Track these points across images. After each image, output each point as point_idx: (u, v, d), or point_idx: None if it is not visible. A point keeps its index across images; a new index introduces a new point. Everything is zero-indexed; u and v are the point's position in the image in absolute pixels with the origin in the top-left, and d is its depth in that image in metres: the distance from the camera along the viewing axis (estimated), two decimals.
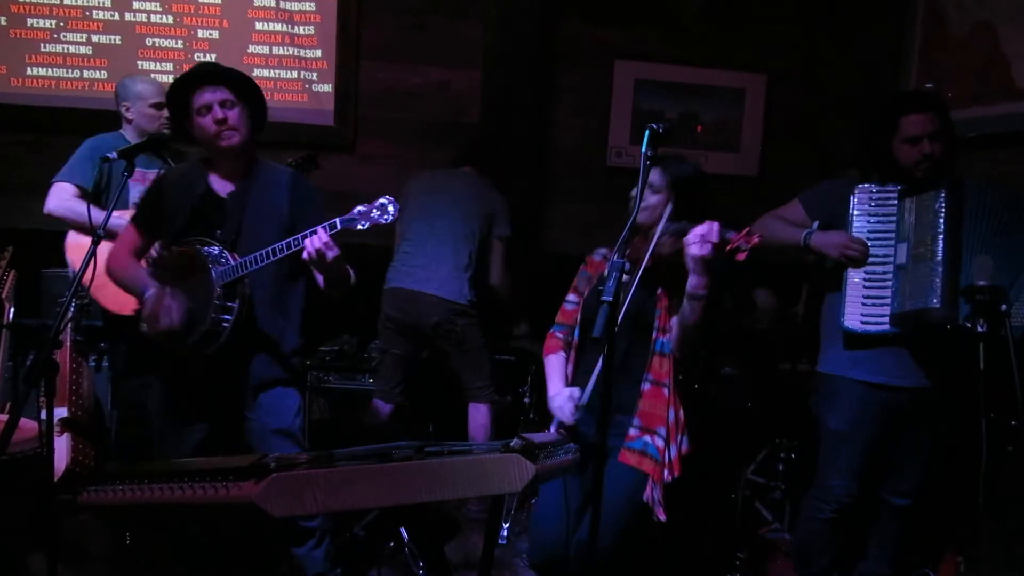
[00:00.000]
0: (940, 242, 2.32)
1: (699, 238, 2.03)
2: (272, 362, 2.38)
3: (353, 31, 4.08)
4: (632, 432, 2.27)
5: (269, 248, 2.17)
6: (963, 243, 2.33)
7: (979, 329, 2.22)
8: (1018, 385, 2.09)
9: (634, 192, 2.08)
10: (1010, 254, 2.33)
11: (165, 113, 3.16)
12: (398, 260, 3.49)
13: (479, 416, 3.51)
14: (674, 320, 2.25)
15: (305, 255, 2.09)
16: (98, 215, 2.44)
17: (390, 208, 2.03)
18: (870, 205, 2.50)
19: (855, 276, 2.49)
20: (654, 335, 2.27)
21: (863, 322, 2.45)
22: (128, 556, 2.95)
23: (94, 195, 3.08)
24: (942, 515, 2.74)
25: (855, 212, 2.51)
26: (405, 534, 3.08)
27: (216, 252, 2.25)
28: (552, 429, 2.31)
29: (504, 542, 3.26)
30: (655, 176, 2.29)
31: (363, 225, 2.04)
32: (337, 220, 2.07)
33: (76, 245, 3.09)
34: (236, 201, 2.36)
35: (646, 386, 2.27)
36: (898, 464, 2.58)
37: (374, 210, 2.04)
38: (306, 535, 2.47)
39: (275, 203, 2.38)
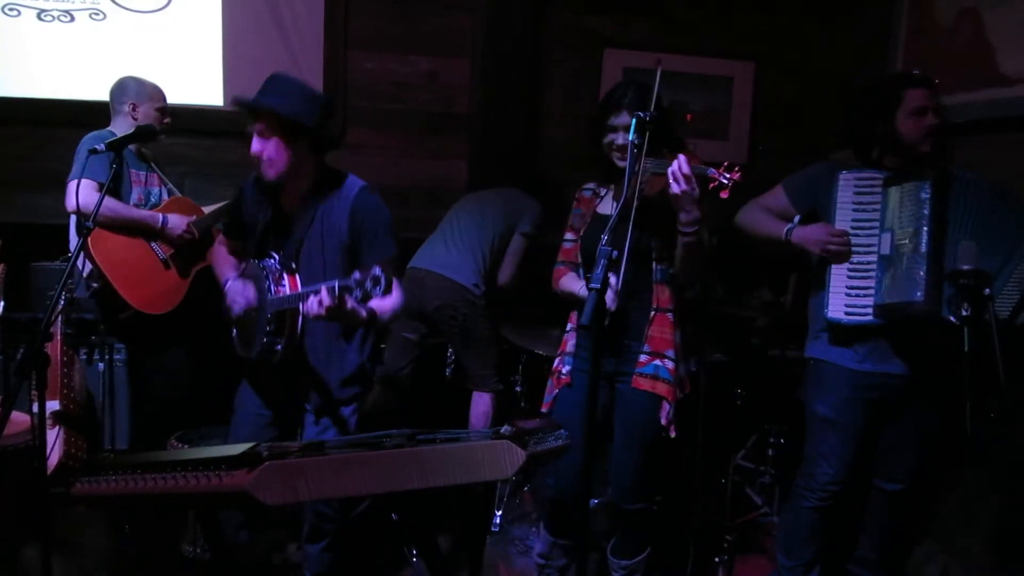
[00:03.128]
0: (924, 234, 2.31)
1: (678, 175, 2.11)
2: (330, 387, 2.38)
3: (341, 21, 4.07)
4: (642, 358, 2.41)
5: (290, 294, 2.18)
6: (948, 235, 2.32)
7: (963, 313, 2.24)
8: (1000, 368, 2.11)
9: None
10: (992, 240, 2.33)
11: (167, 119, 3.18)
12: (424, 244, 3.59)
13: (480, 404, 3.54)
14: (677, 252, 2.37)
15: (307, 312, 2.05)
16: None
17: (382, 281, 1.92)
18: (854, 192, 2.46)
19: (839, 266, 2.46)
20: (653, 265, 2.39)
21: (847, 313, 2.44)
22: (122, 548, 2.96)
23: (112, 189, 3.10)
24: (932, 500, 2.77)
25: (839, 200, 2.47)
26: (398, 522, 3.10)
27: (277, 272, 2.27)
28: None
29: (497, 529, 3.28)
30: (626, 119, 2.36)
31: (357, 295, 1.94)
32: (336, 283, 1.99)
33: (98, 240, 3.03)
34: (297, 223, 2.33)
35: (652, 313, 2.41)
36: (890, 451, 2.59)
37: (368, 280, 1.93)
38: (322, 535, 2.48)
39: (335, 227, 2.31)
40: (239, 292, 2.35)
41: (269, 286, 2.24)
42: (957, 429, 2.20)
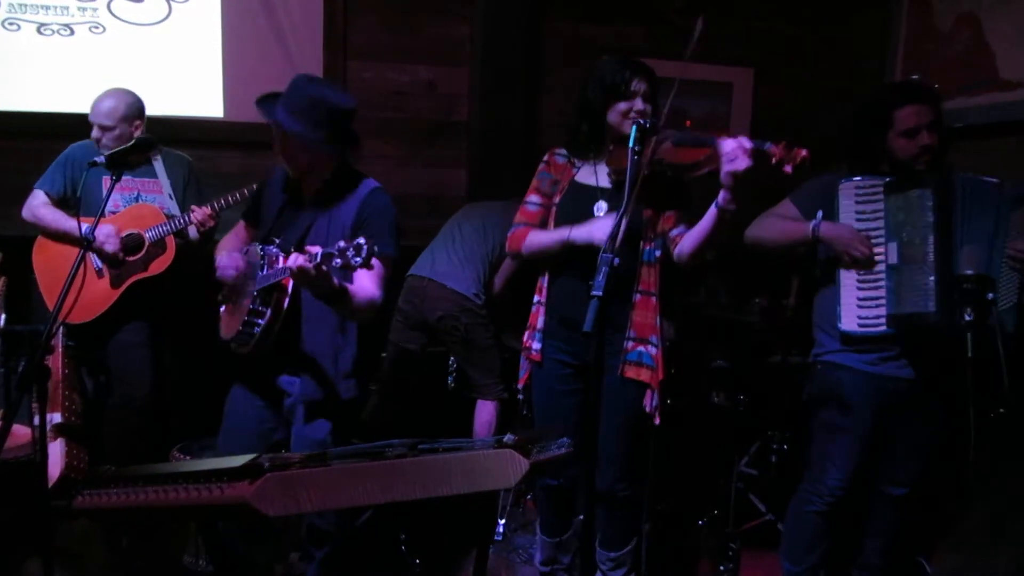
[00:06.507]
0: (930, 243, 2.29)
1: (739, 151, 2.01)
2: (322, 382, 2.34)
3: (340, 31, 4.08)
4: (628, 344, 2.35)
5: (280, 267, 2.17)
6: (954, 239, 2.30)
7: (966, 318, 2.23)
8: (1004, 373, 2.10)
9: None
10: (979, 232, 2.31)
11: (99, 136, 3.14)
12: (424, 252, 3.58)
13: (484, 413, 3.53)
14: (679, 230, 2.30)
15: (287, 267, 2.06)
16: (87, 221, 2.45)
17: (363, 250, 1.93)
18: (856, 201, 2.44)
19: (848, 277, 2.44)
20: (642, 245, 2.33)
21: (860, 325, 2.41)
22: (125, 560, 2.95)
23: (61, 202, 3.15)
24: (935, 504, 2.76)
25: (841, 209, 2.45)
26: (401, 532, 3.09)
27: (274, 255, 2.26)
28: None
29: (500, 538, 3.27)
30: (643, 85, 2.35)
31: (336, 263, 1.96)
32: (319, 252, 2.00)
33: (38, 247, 3.19)
34: (309, 213, 2.37)
35: (636, 297, 2.35)
36: (897, 455, 2.57)
37: (350, 248, 1.95)
38: (323, 537, 2.46)
39: (341, 220, 2.34)
40: (229, 262, 2.35)
41: (263, 267, 2.24)
42: (964, 435, 2.19)
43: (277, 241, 2.31)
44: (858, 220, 2.43)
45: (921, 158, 2.39)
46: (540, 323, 2.48)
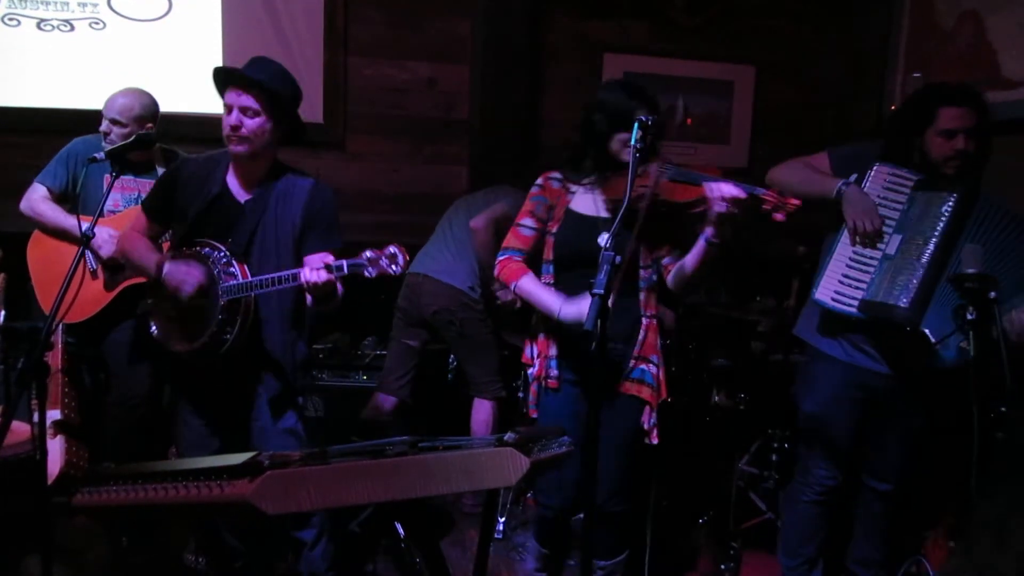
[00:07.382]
0: (932, 245, 2.29)
1: (727, 196, 2.09)
2: (283, 376, 2.37)
3: (340, 28, 4.07)
4: (631, 363, 2.39)
5: (273, 275, 2.15)
6: (956, 250, 2.29)
7: (969, 316, 2.22)
8: (1006, 372, 2.09)
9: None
10: (1008, 267, 2.29)
11: (108, 130, 3.07)
12: (420, 250, 3.58)
13: (481, 412, 3.52)
14: (670, 259, 2.37)
15: (303, 280, 2.06)
16: (86, 219, 2.44)
17: (399, 259, 1.96)
18: (882, 187, 2.42)
19: (844, 253, 2.44)
20: (640, 272, 2.38)
21: (833, 298, 2.41)
22: (125, 558, 2.95)
23: (62, 197, 3.13)
24: (932, 502, 2.76)
25: (866, 188, 2.42)
26: (401, 529, 3.09)
27: (224, 260, 2.24)
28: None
29: (500, 536, 3.27)
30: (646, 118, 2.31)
31: (370, 273, 1.98)
32: (345, 264, 2.01)
33: (34, 242, 3.17)
34: (251, 210, 2.32)
35: (645, 320, 2.39)
36: (878, 451, 2.59)
37: (383, 258, 1.97)
38: (303, 519, 2.47)
39: (289, 217, 2.32)
40: (184, 273, 2.22)
41: (219, 274, 2.22)
42: (962, 433, 2.19)
43: (222, 246, 2.26)
44: (878, 204, 2.42)
45: (952, 161, 2.37)
46: (553, 350, 2.44)
